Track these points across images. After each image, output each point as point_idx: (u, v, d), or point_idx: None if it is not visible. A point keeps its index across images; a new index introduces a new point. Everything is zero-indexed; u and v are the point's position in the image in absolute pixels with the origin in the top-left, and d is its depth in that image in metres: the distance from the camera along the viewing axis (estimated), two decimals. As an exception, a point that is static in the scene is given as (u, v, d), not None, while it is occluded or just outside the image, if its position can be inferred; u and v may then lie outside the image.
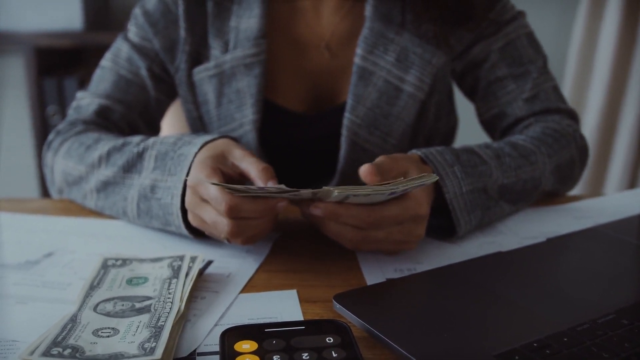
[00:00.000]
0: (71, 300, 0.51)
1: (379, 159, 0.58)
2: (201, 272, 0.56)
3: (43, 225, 0.69)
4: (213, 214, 0.55)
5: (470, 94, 0.88)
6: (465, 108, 1.04)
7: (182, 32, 0.81)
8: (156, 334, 0.43)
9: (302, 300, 0.51)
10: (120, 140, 0.71)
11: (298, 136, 0.84)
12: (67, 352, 0.40)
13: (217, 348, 0.44)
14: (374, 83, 0.78)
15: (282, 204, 0.53)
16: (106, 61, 0.85)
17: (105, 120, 0.82)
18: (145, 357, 0.40)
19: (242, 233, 0.54)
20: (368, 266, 0.58)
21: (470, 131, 1.16)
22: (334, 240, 0.56)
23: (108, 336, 0.44)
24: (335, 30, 0.83)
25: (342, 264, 0.59)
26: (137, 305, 0.48)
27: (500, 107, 0.83)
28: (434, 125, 0.86)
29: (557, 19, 2.00)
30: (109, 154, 0.70)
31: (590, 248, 0.60)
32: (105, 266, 0.55)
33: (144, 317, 0.46)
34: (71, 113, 0.84)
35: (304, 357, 0.40)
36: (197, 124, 0.85)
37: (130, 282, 0.52)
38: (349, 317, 0.46)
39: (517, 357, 0.39)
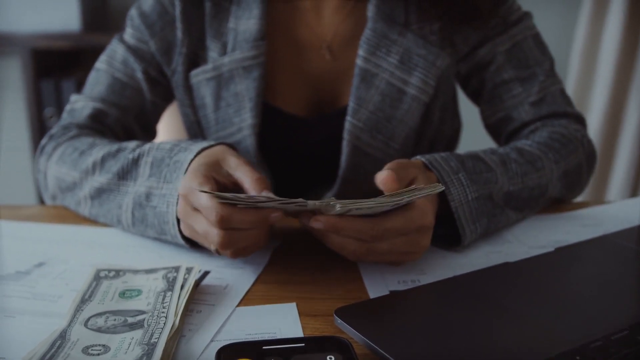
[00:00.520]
0: (61, 314, 0.48)
1: (389, 165, 0.56)
2: (197, 283, 0.54)
3: (35, 233, 0.67)
4: (204, 223, 0.53)
5: (475, 97, 0.86)
6: (469, 111, 1.02)
7: (179, 34, 0.79)
8: (149, 352, 0.41)
9: (302, 314, 0.49)
10: (115, 146, 0.69)
11: (298, 141, 0.82)
12: (54, 372, 0.39)
13: (212, 366, 0.42)
14: (376, 85, 0.76)
15: (276, 214, 0.51)
16: (101, 63, 0.83)
17: (100, 125, 0.80)
18: (137, 378, 0.38)
19: (233, 244, 0.52)
20: (370, 277, 0.56)
21: (474, 135, 1.14)
22: (336, 251, 0.54)
23: (98, 354, 0.42)
24: (337, 31, 0.81)
25: (344, 275, 0.57)
26: (130, 320, 0.46)
27: (506, 111, 0.81)
28: (439, 129, 0.83)
29: (559, 21, 1.98)
30: (103, 160, 0.68)
31: (601, 258, 0.58)
32: (97, 278, 0.53)
33: (137, 333, 0.44)
34: (65, 117, 0.82)
35: (303, 378, 0.38)
36: (195, 128, 0.83)
37: (123, 295, 0.50)
38: (351, 333, 0.44)
39: (528, 378, 0.37)
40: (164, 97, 0.84)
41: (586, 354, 0.40)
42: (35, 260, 0.60)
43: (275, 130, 0.80)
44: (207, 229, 0.53)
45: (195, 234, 0.56)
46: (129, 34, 0.82)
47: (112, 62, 0.82)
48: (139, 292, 0.51)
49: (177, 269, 0.53)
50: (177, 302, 0.48)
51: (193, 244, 0.60)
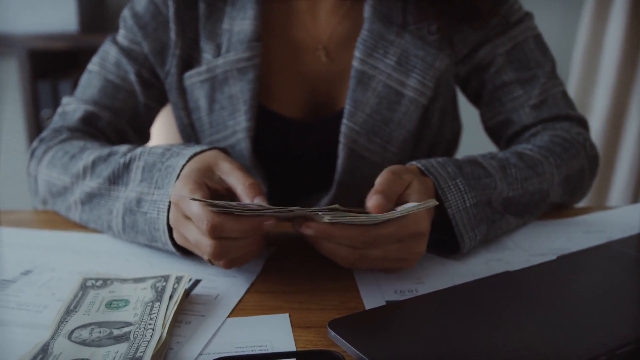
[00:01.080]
0: (46, 325, 0.47)
1: (382, 175, 0.54)
2: (187, 293, 0.53)
3: (24, 239, 0.66)
4: (196, 232, 0.51)
5: (474, 100, 0.84)
6: (469, 114, 1.00)
7: (173, 35, 0.78)
8: (133, 367, 0.39)
9: (295, 326, 0.48)
10: (106, 150, 0.67)
11: (294, 144, 0.81)
12: (33, 389, 0.37)
13: (199, 382, 0.40)
14: (373, 88, 0.74)
15: (269, 222, 0.49)
16: (93, 65, 0.82)
17: (92, 128, 0.78)
18: (119, 396, 0.36)
19: (226, 254, 0.50)
20: (366, 287, 0.54)
21: (475, 138, 1.12)
22: (329, 258, 0.53)
23: (81, 369, 0.40)
24: (333, 33, 0.79)
25: (339, 284, 0.55)
26: (116, 332, 0.45)
27: (506, 114, 0.79)
28: (438, 132, 0.82)
29: (561, 22, 1.97)
30: (94, 164, 0.66)
31: (604, 266, 0.56)
32: (84, 287, 0.51)
33: (122, 347, 0.42)
34: (56, 119, 0.80)
35: (293, 397, 0.36)
36: (188, 131, 0.82)
37: (109, 305, 0.49)
38: (344, 347, 0.42)
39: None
40: (158, 99, 0.83)
41: (590, 370, 0.39)
42: (22, 267, 0.58)
43: (270, 133, 0.79)
44: (198, 238, 0.51)
45: (187, 242, 0.54)
46: (121, 35, 0.81)
47: (104, 64, 0.81)
48: (127, 302, 0.49)
49: (166, 278, 0.51)
50: (165, 313, 0.46)
51: (184, 252, 0.59)
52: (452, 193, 0.58)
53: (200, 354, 0.44)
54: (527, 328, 0.44)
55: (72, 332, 0.45)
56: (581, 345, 0.42)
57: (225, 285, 0.55)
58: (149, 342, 0.42)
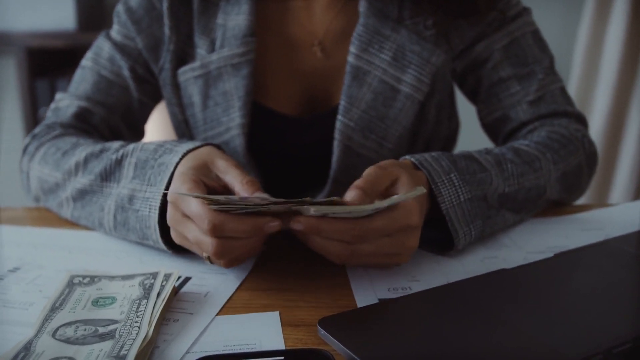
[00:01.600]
0: (31, 323, 0.46)
1: (367, 171, 0.53)
2: (176, 290, 0.52)
3: (14, 236, 0.65)
4: (196, 232, 0.50)
5: (471, 96, 0.83)
6: (467, 110, 0.99)
7: (167, 30, 0.77)
8: (117, 366, 0.38)
9: (285, 324, 0.47)
10: (98, 146, 0.66)
11: (289, 141, 0.80)
12: (13, 388, 0.36)
13: (185, 381, 0.39)
14: (368, 83, 0.73)
15: (274, 224, 0.48)
16: (87, 61, 0.81)
17: (85, 124, 0.77)
18: (101, 395, 0.35)
19: (227, 254, 0.50)
20: (359, 284, 0.53)
21: (473, 135, 1.11)
22: (320, 254, 0.52)
23: (63, 368, 0.39)
24: (329, 28, 0.78)
25: (331, 281, 0.54)
26: (101, 330, 0.44)
27: (504, 110, 0.78)
28: (435, 129, 0.81)
29: (562, 20, 1.95)
30: (86, 161, 0.65)
31: (602, 264, 0.55)
32: (70, 284, 0.50)
33: (106, 345, 0.41)
34: (49, 116, 0.79)
35: (280, 396, 0.35)
36: (183, 127, 0.81)
37: (96, 303, 0.48)
38: (335, 346, 0.41)
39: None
40: (152, 95, 0.82)
41: (586, 369, 0.38)
42: (10, 265, 0.58)
43: (265, 130, 0.78)
44: (199, 237, 0.50)
45: (186, 241, 0.53)
46: (115, 31, 0.80)
47: (98, 59, 0.80)
48: (113, 300, 0.48)
49: (154, 275, 0.50)
50: (152, 311, 0.45)
51: (176, 250, 0.58)
52: (446, 187, 0.57)
53: (187, 352, 0.43)
54: (523, 326, 0.43)
55: (57, 329, 0.44)
56: (578, 344, 0.41)
57: (215, 283, 0.54)
58: (134, 340, 0.41)
